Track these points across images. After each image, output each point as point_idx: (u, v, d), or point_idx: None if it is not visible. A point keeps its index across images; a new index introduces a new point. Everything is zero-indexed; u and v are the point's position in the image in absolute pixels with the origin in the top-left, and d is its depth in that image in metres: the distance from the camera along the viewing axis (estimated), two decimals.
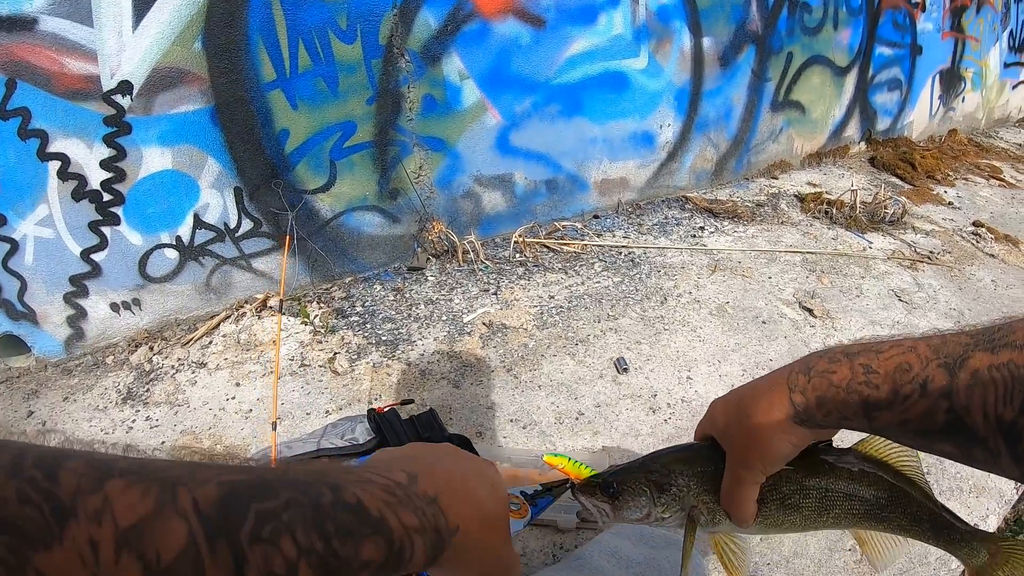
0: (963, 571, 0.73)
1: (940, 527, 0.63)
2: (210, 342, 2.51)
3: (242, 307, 2.66)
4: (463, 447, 1.04)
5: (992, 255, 3.75)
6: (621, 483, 0.65)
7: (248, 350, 2.43)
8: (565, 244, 3.28)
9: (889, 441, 0.62)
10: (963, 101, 5.91)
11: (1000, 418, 0.40)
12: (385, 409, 1.27)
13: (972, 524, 0.64)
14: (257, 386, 2.27)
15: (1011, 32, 6.12)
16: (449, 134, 2.98)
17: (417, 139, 2.89)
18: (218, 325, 2.59)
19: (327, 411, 2.10)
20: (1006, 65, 6.29)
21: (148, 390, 2.30)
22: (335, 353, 2.38)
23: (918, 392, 0.44)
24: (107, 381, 2.36)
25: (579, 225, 3.49)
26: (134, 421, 2.16)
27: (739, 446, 0.59)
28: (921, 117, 5.50)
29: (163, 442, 2.05)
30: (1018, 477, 0.42)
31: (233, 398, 2.23)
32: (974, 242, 3.88)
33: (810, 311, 2.89)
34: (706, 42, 3.69)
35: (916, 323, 2.88)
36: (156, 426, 2.13)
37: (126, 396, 2.28)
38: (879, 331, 2.77)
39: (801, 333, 2.73)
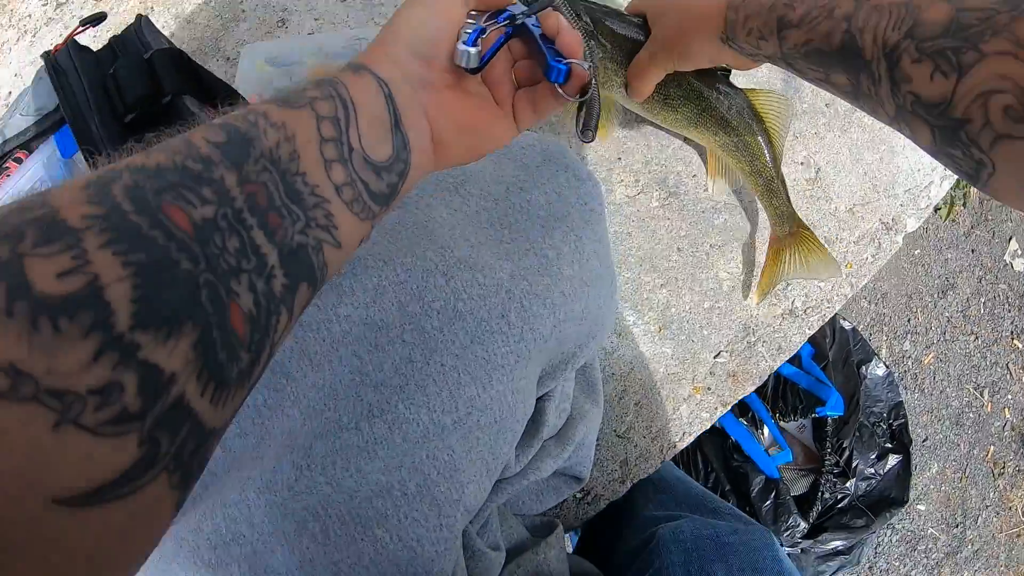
0: None
1: (775, 188, 0.71)
2: None
3: None
4: (176, 64, 0.60)
5: None
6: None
7: None
8: None
9: (770, 102, 0.71)
10: None
11: (886, 41, 0.42)
12: (63, 45, 0.60)
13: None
14: None
15: None
16: None
17: None
18: None
19: None
20: None
21: None
22: None
23: (825, 14, 0.47)
24: None
25: None
26: None
27: (667, 34, 0.62)
28: None
29: None
30: (892, 115, 0.44)
31: None
32: None
33: None
34: None
35: None
36: None
37: None
38: None
39: None
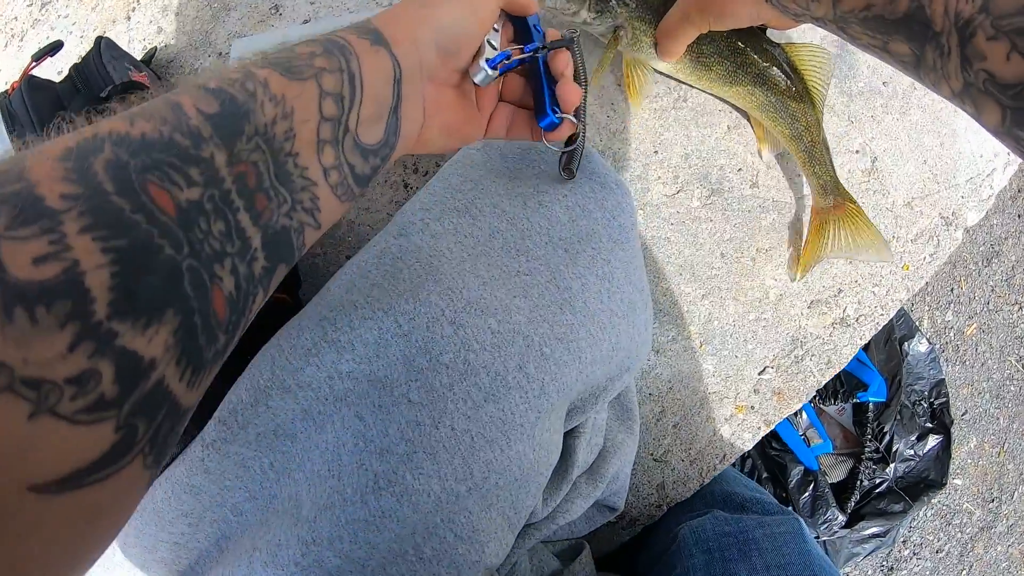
0: None
1: (817, 153, 0.65)
2: None
3: None
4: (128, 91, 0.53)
5: None
6: None
7: None
8: None
9: (813, 57, 0.65)
10: None
11: (959, 13, 0.39)
12: (19, 84, 0.53)
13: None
14: None
15: None
16: None
17: None
18: None
19: None
20: None
21: None
22: None
23: None
24: None
25: None
26: None
27: None
28: None
29: None
30: (957, 90, 0.41)
31: None
32: None
33: None
34: None
35: None
36: None
37: None
38: None
39: None
